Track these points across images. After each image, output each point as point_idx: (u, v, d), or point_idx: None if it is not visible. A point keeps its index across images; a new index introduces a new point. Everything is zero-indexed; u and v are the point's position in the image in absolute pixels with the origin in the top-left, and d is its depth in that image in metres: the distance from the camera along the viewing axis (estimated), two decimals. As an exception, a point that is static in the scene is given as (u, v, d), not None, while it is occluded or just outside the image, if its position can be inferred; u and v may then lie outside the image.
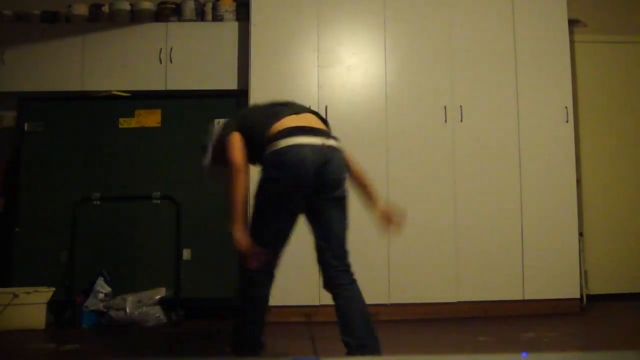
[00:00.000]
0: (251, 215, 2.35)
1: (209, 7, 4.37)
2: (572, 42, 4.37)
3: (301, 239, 3.80)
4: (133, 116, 4.02)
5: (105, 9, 4.36)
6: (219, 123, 2.50)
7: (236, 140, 2.33)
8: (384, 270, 3.79)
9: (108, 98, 4.08)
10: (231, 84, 4.20)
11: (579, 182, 4.26)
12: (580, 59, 4.65)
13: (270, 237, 2.33)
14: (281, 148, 2.23)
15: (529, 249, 3.86)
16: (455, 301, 3.83)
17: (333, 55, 3.95)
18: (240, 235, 2.24)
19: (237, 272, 2.42)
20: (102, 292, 3.68)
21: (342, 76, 3.94)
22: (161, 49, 4.20)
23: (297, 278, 3.78)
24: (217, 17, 4.33)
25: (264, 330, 2.44)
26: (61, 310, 3.72)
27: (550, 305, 3.85)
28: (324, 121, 2.46)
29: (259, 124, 2.35)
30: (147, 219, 3.92)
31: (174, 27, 4.26)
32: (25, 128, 4.00)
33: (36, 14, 4.36)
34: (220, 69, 4.21)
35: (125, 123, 4.02)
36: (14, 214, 3.91)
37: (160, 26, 4.25)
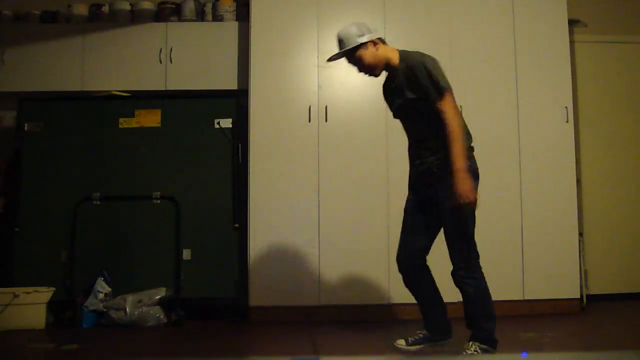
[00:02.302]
0: (469, 216, 2.62)
1: (209, 7, 4.37)
2: (572, 42, 4.37)
3: (301, 240, 3.82)
4: (133, 116, 4.02)
5: (105, 9, 4.36)
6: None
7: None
8: (384, 270, 3.78)
9: (108, 98, 4.08)
10: (231, 84, 4.20)
11: (579, 182, 4.26)
12: (580, 59, 4.65)
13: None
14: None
15: (529, 249, 3.86)
16: (456, 301, 3.81)
17: (333, 55, 3.95)
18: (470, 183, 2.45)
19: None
20: (102, 292, 3.68)
21: (342, 76, 3.92)
22: (161, 49, 4.20)
23: (297, 278, 3.78)
24: (217, 17, 4.33)
25: None
26: (61, 310, 3.72)
27: (550, 305, 3.84)
28: None
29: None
30: (147, 219, 3.92)
31: (174, 27, 4.26)
32: (25, 128, 4.00)
33: (36, 14, 4.37)
34: (220, 69, 4.21)
35: (125, 123, 4.02)
36: (14, 214, 3.91)
37: (160, 26, 4.25)
